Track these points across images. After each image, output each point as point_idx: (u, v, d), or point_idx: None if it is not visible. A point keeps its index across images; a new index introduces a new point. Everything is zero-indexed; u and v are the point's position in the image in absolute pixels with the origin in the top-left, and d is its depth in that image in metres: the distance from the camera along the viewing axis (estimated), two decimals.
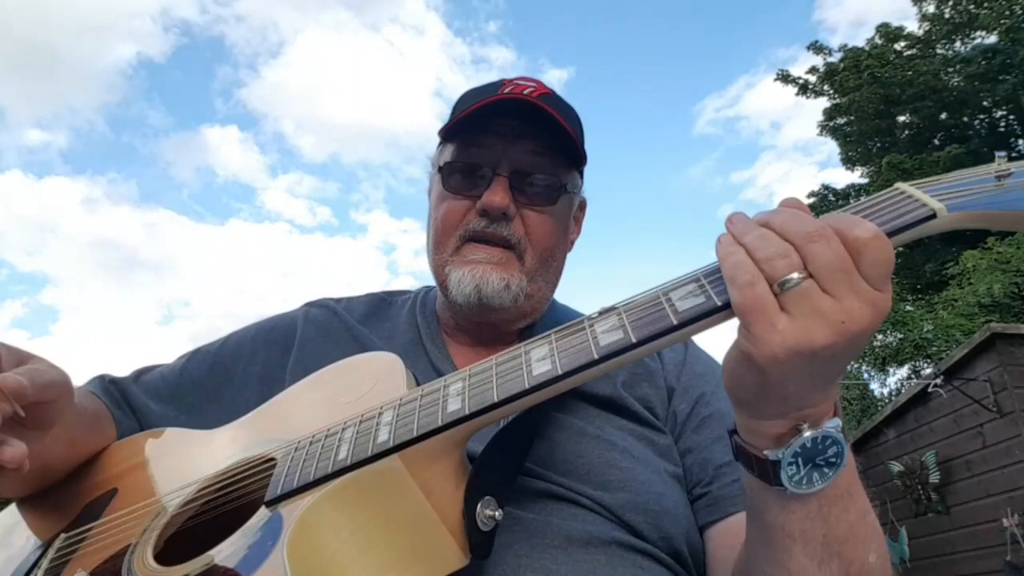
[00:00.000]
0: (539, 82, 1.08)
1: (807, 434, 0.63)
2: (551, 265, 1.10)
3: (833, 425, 0.64)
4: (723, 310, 0.62)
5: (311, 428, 0.82)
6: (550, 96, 1.06)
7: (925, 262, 16.09)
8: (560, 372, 0.67)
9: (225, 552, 0.72)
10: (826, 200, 18.89)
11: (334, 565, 0.65)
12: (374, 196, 50.46)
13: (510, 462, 0.83)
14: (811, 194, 19.11)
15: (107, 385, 1.15)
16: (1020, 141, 16.89)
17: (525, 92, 1.03)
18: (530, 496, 0.85)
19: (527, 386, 0.68)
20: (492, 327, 1.09)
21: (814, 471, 0.64)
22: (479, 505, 0.73)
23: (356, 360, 0.92)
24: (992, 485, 7.09)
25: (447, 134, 1.07)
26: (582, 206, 1.18)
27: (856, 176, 19.06)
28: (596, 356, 0.66)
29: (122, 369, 1.20)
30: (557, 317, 1.12)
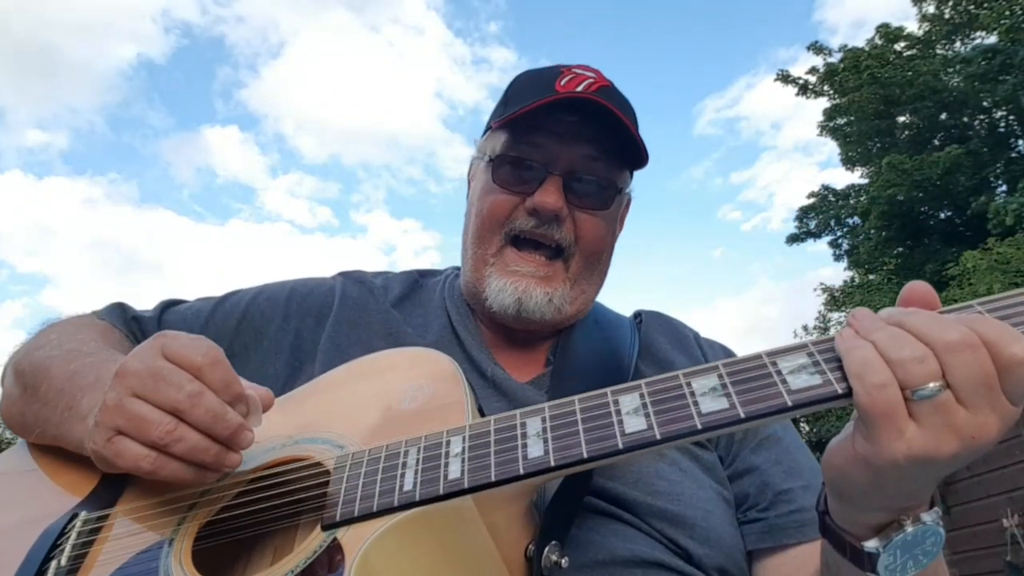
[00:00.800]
0: (598, 72, 1.03)
1: (909, 529, 0.61)
2: (597, 268, 1.06)
3: (934, 518, 0.62)
4: (843, 398, 0.58)
5: (361, 432, 0.78)
6: (610, 90, 1.02)
7: (925, 263, 16.07)
8: (658, 437, 0.62)
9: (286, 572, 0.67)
10: (826, 200, 18.88)
11: None
12: (375, 197, 50.52)
13: (573, 506, 0.81)
14: (811, 194, 19.11)
15: (129, 322, 1.10)
16: (1020, 142, 16.88)
17: (583, 85, 0.98)
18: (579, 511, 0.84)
19: (620, 447, 0.63)
20: (527, 331, 1.06)
21: (909, 560, 0.62)
22: (546, 550, 0.72)
23: (407, 355, 0.86)
24: (992, 485, 7.08)
25: (500, 123, 1.02)
26: (628, 202, 1.15)
27: (856, 176, 19.06)
28: (699, 426, 0.61)
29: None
30: (596, 317, 1.09)
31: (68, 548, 0.78)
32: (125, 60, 46.23)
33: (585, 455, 0.64)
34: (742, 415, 0.59)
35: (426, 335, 1.05)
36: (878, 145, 18.34)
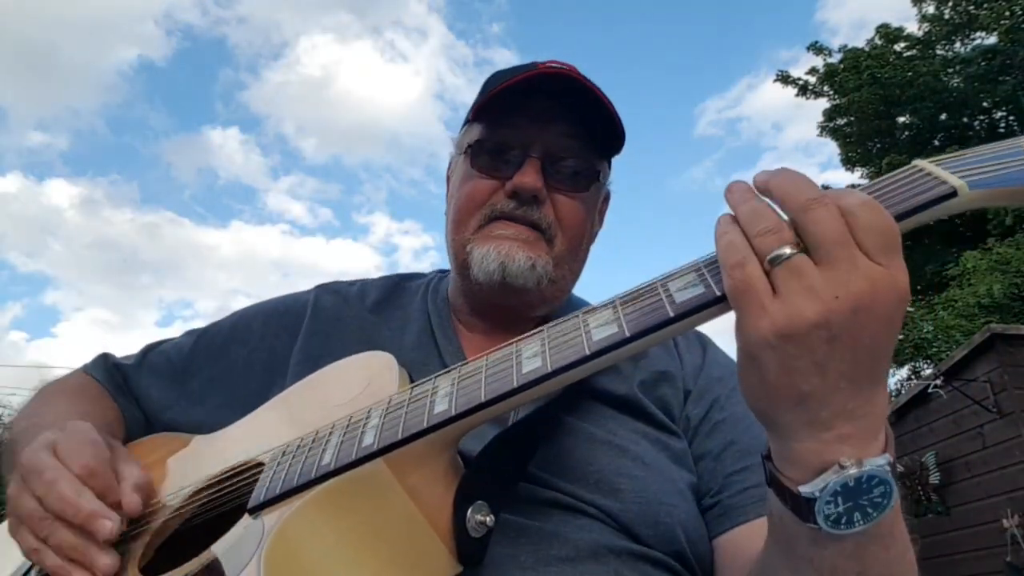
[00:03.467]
0: (572, 67, 1.03)
1: (851, 471, 0.55)
2: (577, 254, 1.06)
3: (881, 462, 0.56)
4: (723, 300, 0.58)
5: (302, 432, 0.80)
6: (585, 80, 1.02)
7: (925, 263, 16.07)
8: (550, 370, 0.64)
9: (202, 562, 0.70)
10: None
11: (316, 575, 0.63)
12: (376, 198, 50.57)
13: (509, 467, 0.79)
14: None
15: (111, 370, 1.14)
16: None
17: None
18: (537, 505, 0.82)
19: (515, 385, 0.65)
20: (510, 311, 1.04)
21: (855, 511, 0.56)
22: (470, 510, 0.70)
23: (351, 361, 0.90)
24: (992, 486, 7.08)
25: (476, 114, 1.03)
26: (606, 198, 1.14)
27: (856, 177, 19.04)
28: (588, 352, 0.62)
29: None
30: (573, 309, 1.10)
31: (35, 571, 0.86)
32: (126, 62, 46.34)
33: (483, 398, 0.66)
34: (627, 334, 0.60)
35: (403, 336, 1.05)
36: (878, 146, 18.34)
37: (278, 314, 1.13)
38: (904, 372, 14.89)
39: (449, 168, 1.16)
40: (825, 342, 0.53)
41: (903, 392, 9.81)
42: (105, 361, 1.16)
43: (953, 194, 0.56)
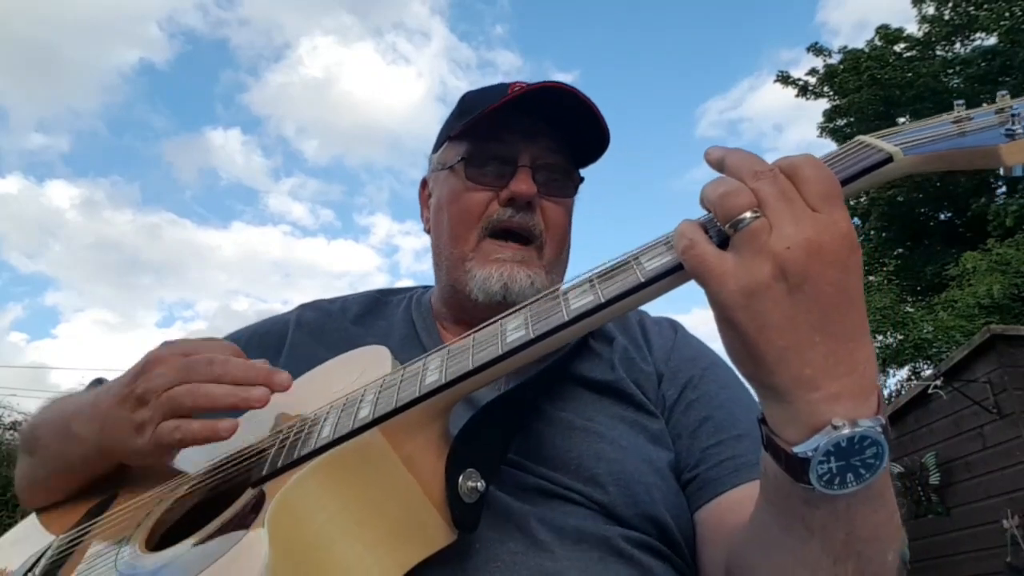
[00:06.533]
0: (559, 84, 1.06)
1: (843, 432, 0.57)
2: (563, 258, 1.11)
3: (872, 423, 0.57)
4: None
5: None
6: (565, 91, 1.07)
7: (925, 264, 16.09)
8: (532, 336, 0.68)
9: (209, 531, 0.72)
10: None
11: (318, 541, 0.64)
12: (377, 199, 50.57)
13: (496, 435, 0.82)
14: None
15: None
16: None
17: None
18: (523, 491, 0.85)
19: (501, 352, 0.69)
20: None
21: (848, 471, 0.58)
22: (461, 477, 0.73)
23: (345, 356, 0.93)
24: (992, 486, 7.09)
25: (461, 132, 1.07)
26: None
27: None
28: (567, 318, 0.67)
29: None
30: None
31: (44, 562, 0.89)
32: (127, 64, 46.35)
33: (472, 366, 0.71)
34: (602, 299, 0.66)
35: (388, 340, 1.07)
36: None
37: (263, 335, 1.17)
38: (904, 372, 14.91)
39: (424, 189, 1.21)
40: (787, 294, 0.56)
41: (903, 393, 9.82)
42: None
43: (889, 159, 0.62)
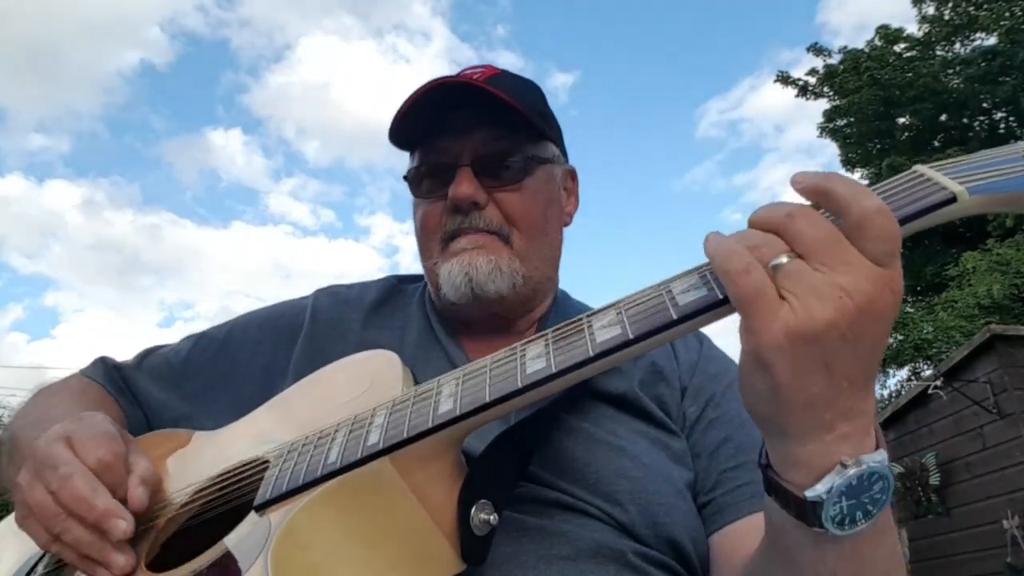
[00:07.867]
0: (487, 65, 1.07)
1: (852, 470, 0.56)
2: (543, 241, 1.06)
3: (878, 458, 0.57)
4: (726, 303, 0.59)
5: (307, 429, 0.81)
6: (500, 76, 1.05)
7: (925, 264, 16.07)
8: (554, 371, 0.64)
9: (210, 559, 0.71)
10: None
11: (323, 572, 0.63)
12: (378, 199, 50.61)
13: (511, 466, 0.80)
14: None
15: (110, 371, 1.15)
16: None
17: (473, 79, 1.02)
18: (538, 504, 0.83)
19: (519, 385, 0.65)
20: (500, 319, 1.06)
21: (857, 510, 0.57)
22: (473, 508, 0.71)
23: (354, 359, 0.90)
24: (992, 487, 7.09)
25: (408, 144, 1.07)
26: (572, 176, 1.16)
27: (857, 178, 18.89)
28: (592, 354, 0.63)
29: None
30: (569, 312, 1.06)
31: (41, 568, 0.87)
32: (128, 65, 46.36)
33: (488, 399, 0.66)
34: (631, 336, 0.61)
35: (405, 336, 1.06)
36: (878, 146, 18.34)
37: (274, 319, 1.14)
38: (904, 373, 14.90)
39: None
40: (836, 341, 0.54)
41: (903, 393, 9.82)
42: (104, 364, 1.16)
43: (953, 200, 0.56)
